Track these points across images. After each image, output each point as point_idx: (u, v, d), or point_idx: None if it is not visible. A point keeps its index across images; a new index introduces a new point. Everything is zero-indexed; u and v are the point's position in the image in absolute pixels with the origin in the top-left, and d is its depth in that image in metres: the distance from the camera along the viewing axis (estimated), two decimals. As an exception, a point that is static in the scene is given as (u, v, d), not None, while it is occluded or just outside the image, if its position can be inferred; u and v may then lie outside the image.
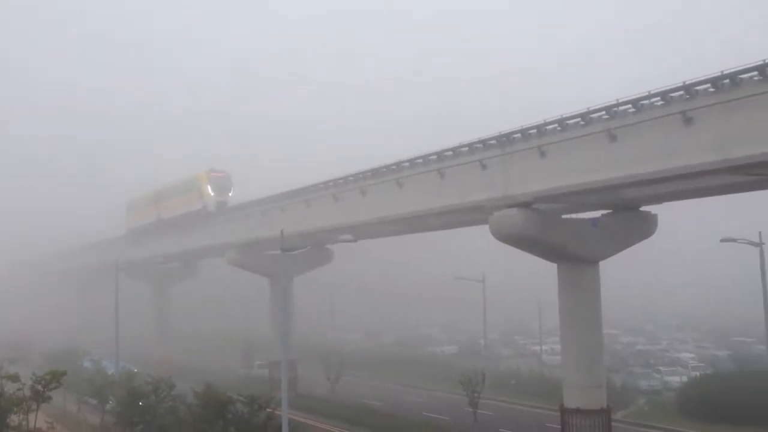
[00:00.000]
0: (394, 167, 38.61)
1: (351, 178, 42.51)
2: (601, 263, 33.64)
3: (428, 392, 54.94)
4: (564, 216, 33.64)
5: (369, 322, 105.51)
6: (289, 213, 48.76)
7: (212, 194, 59.48)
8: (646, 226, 34.17)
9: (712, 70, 22.66)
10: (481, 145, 32.68)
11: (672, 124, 24.12)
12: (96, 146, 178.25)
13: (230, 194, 60.10)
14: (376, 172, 40.35)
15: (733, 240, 36.32)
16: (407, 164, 37.60)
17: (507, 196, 31.20)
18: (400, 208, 38.35)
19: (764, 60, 21.65)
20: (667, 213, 35.09)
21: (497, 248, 37.36)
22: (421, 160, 36.60)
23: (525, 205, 30.77)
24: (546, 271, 37.33)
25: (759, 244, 36.56)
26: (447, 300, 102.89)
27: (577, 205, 32.91)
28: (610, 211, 33.69)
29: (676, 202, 33.73)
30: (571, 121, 28.29)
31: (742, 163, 22.68)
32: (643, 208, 33.94)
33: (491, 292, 61.03)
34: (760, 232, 36.63)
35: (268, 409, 27.99)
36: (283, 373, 28.29)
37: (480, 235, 39.20)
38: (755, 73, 21.93)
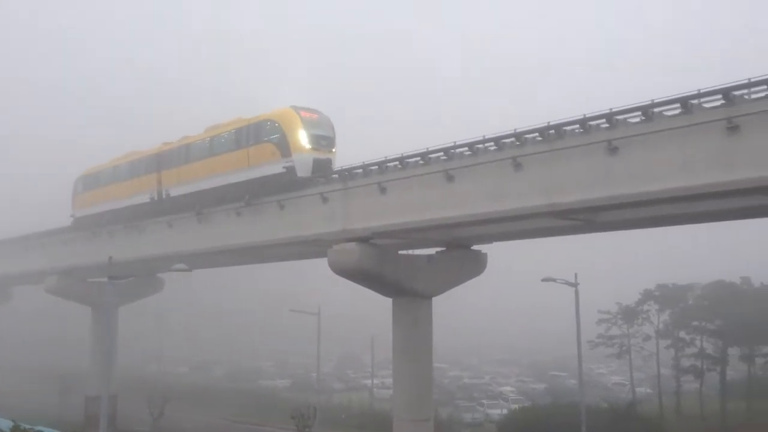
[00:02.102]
0: (234, 196, 37.78)
1: (188, 205, 41.05)
2: (434, 299, 34.79)
3: (258, 428, 53.64)
4: (401, 252, 34.50)
5: (199, 354, 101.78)
6: (119, 238, 46.27)
7: (308, 147, 34.00)
8: (477, 264, 35.81)
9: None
10: (323, 179, 32.98)
11: (504, 168, 25.59)
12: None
13: (335, 150, 35.26)
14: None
15: (553, 280, 38.82)
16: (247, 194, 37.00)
17: (346, 230, 31.55)
18: (239, 238, 37.57)
19: (584, 114, 23.63)
20: (498, 252, 36.97)
21: (335, 281, 37.54)
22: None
23: (364, 239, 31.23)
24: (381, 306, 37.95)
25: (575, 285, 39.38)
26: (283, 332, 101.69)
27: (414, 241, 33.89)
28: (445, 248, 35.00)
29: (509, 241, 35.62)
30: (411, 160, 29.25)
31: (564, 208, 24.47)
32: (475, 247, 35.58)
33: (327, 326, 61.00)
34: (576, 274, 39.42)
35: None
36: (103, 408, 26.50)
37: (320, 267, 39.23)
38: (577, 126, 23.87)
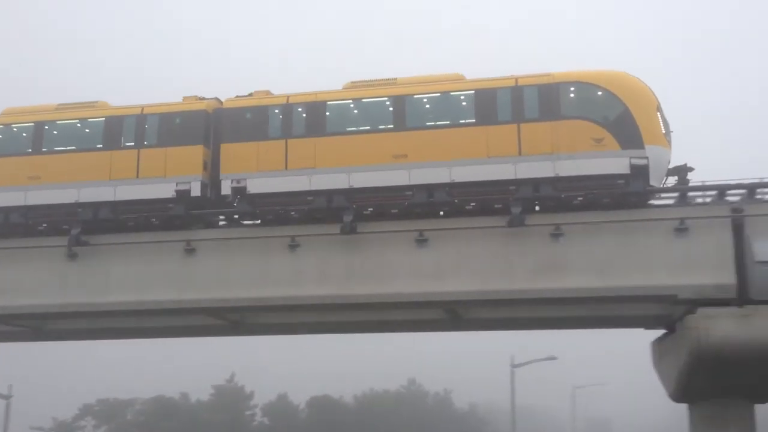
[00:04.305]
0: None
1: None
2: None
3: None
4: None
5: None
6: None
7: (664, 138, 20.51)
8: None
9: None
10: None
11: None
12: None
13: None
14: None
15: None
16: None
17: None
18: None
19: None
20: None
21: None
22: None
23: None
24: None
25: (8, 397, 36.49)
26: None
27: None
28: None
29: None
30: None
31: (10, 312, 22.67)
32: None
33: None
34: (10, 385, 36.76)
35: None
36: None
37: None
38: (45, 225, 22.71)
